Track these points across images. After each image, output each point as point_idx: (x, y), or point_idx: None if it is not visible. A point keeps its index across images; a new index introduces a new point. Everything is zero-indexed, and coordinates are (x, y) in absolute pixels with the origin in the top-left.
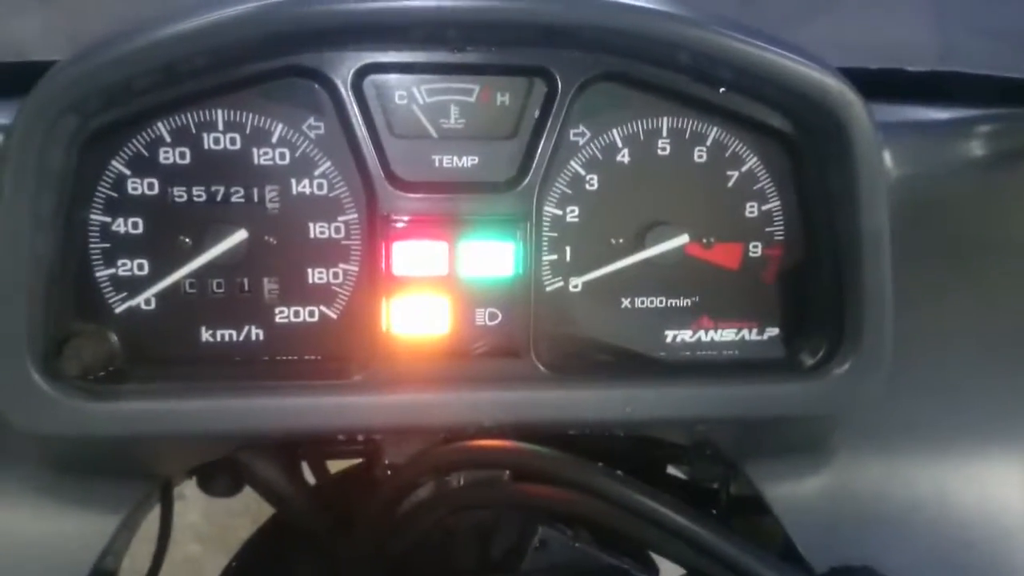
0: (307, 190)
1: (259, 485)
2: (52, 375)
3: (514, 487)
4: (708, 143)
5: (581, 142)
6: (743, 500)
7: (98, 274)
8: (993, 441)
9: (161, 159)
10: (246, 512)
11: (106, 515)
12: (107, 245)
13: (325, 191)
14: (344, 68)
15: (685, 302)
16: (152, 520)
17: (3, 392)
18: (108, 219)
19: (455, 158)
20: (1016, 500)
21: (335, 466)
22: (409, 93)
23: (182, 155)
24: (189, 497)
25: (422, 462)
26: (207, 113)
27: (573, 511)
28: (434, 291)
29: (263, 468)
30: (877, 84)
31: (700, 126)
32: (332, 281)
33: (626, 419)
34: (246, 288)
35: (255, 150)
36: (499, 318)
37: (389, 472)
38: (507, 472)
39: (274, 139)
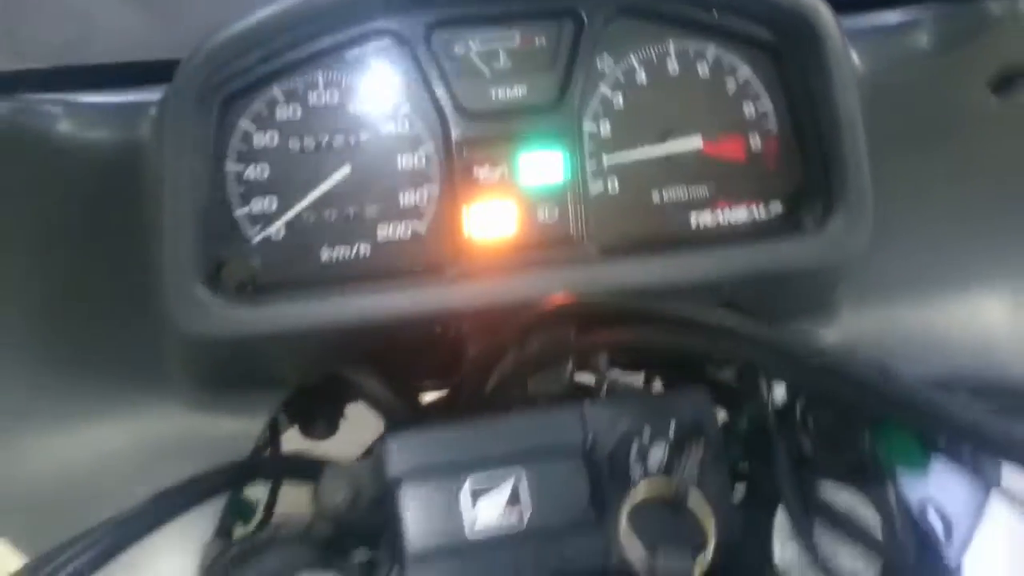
0: (394, 129)
1: (368, 397)
2: (214, 290)
3: (582, 336)
4: (709, 59)
5: (607, 69)
6: None
7: (236, 213)
8: (976, 277)
9: (278, 116)
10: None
11: (252, 419)
12: (242, 189)
13: (407, 129)
14: (417, 26)
15: (704, 191)
16: None
17: (177, 308)
18: (241, 167)
19: (508, 89)
20: (1000, 324)
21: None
22: (466, 44)
23: (294, 111)
24: None
25: (500, 330)
26: (311, 76)
27: (643, 342)
28: (503, 198)
29: (370, 384)
30: None
31: (701, 46)
32: (419, 202)
33: (662, 283)
34: (353, 215)
35: (351, 102)
36: (556, 216)
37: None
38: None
39: (365, 91)
